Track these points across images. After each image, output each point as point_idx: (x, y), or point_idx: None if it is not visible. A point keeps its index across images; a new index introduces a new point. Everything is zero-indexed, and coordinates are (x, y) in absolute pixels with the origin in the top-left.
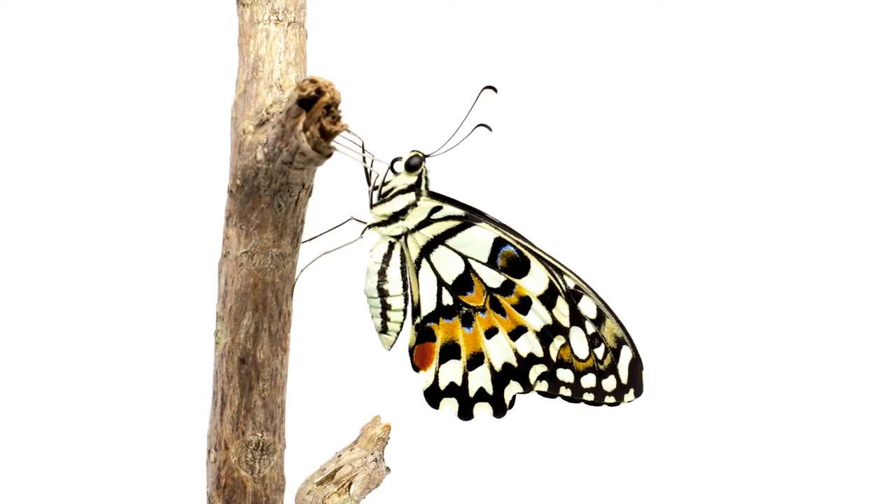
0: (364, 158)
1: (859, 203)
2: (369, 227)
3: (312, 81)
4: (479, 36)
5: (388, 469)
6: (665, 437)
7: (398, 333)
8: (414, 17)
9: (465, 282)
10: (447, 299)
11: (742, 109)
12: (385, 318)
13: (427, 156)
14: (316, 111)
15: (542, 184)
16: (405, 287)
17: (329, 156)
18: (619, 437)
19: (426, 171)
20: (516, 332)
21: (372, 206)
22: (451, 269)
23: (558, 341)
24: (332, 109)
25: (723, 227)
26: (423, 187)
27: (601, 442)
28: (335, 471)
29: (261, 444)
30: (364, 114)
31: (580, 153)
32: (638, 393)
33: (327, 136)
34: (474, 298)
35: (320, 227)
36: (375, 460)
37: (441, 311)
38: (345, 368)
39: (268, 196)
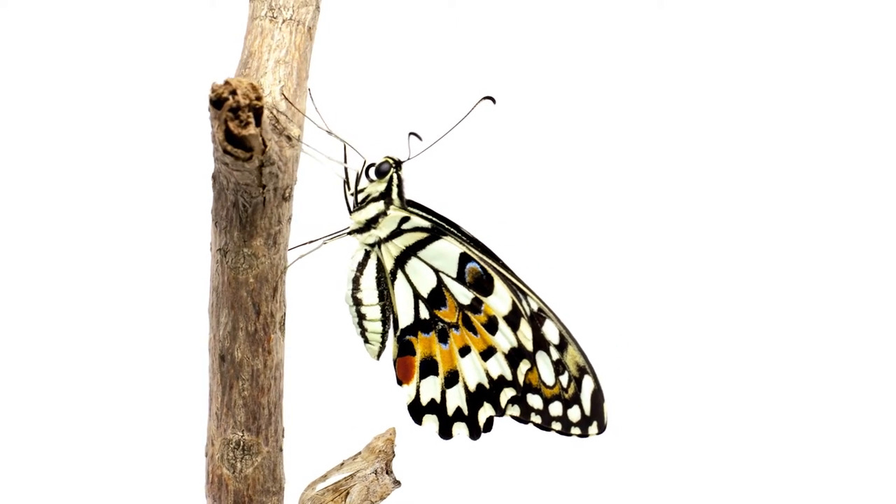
0: (346, 170)
1: (855, 212)
2: (349, 233)
3: (227, 83)
4: (479, 35)
5: (396, 482)
6: (658, 455)
7: (381, 344)
8: (414, 16)
9: (439, 296)
10: (424, 313)
11: (742, 112)
12: (363, 328)
13: (400, 162)
14: (222, 113)
15: (535, 188)
16: (381, 298)
17: (247, 160)
18: (633, 457)
19: (397, 178)
20: (487, 353)
21: (350, 212)
22: (424, 281)
23: (524, 365)
24: (239, 113)
25: (711, 241)
26: (393, 195)
27: (614, 461)
28: (342, 480)
29: (241, 443)
30: (363, 115)
31: (577, 156)
32: (601, 427)
33: (235, 140)
34: (448, 314)
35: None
36: (375, 472)
37: (419, 325)
38: (372, 375)
39: (231, 195)
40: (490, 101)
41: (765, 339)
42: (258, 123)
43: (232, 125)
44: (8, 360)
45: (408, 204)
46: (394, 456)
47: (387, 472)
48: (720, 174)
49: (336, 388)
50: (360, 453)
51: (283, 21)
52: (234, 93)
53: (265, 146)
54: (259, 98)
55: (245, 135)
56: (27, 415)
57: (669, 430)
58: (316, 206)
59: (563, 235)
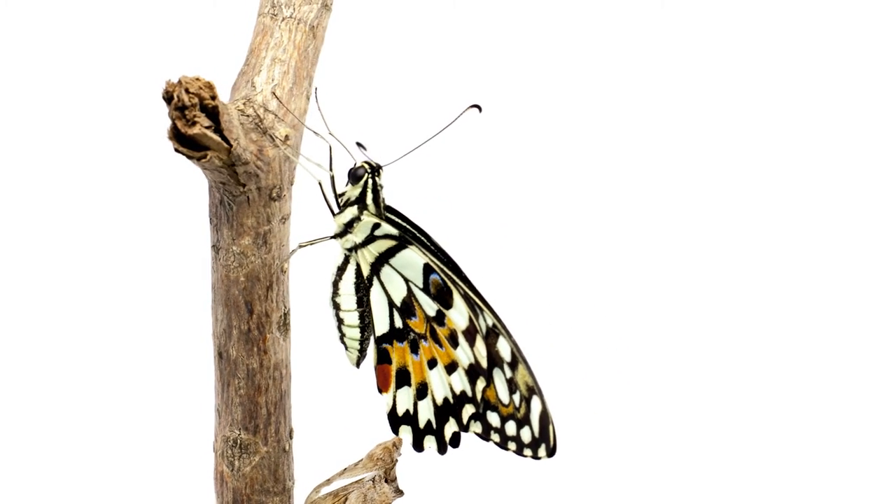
0: (332, 176)
1: (851, 213)
2: (332, 237)
3: (179, 81)
4: (480, 35)
5: (398, 491)
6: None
7: (360, 351)
8: (415, 16)
9: (409, 306)
10: (398, 322)
11: (743, 113)
12: (341, 333)
13: (379, 167)
14: (171, 111)
15: (522, 193)
16: (359, 304)
17: (200, 159)
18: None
19: (371, 183)
20: (451, 367)
21: (334, 214)
22: (397, 290)
23: (480, 383)
24: (185, 112)
25: (684, 253)
26: (367, 201)
27: (616, 474)
28: (345, 485)
29: (239, 441)
30: (366, 117)
31: (575, 156)
32: (548, 450)
33: (183, 139)
34: (417, 325)
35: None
36: (373, 480)
37: (394, 334)
38: None
39: (217, 193)
40: (476, 110)
41: (740, 348)
42: (216, 122)
43: (179, 123)
44: (31, 353)
45: (387, 210)
46: (392, 464)
47: (387, 481)
48: (702, 185)
49: (359, 390)
50: (361, 460)
51: (283, 19)
52: (187, 91)
53: (230, 145)
54: (214, 97)
55: (191, 134)
56: (41, 412)
57: (652, 439)
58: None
59: (547, 240)
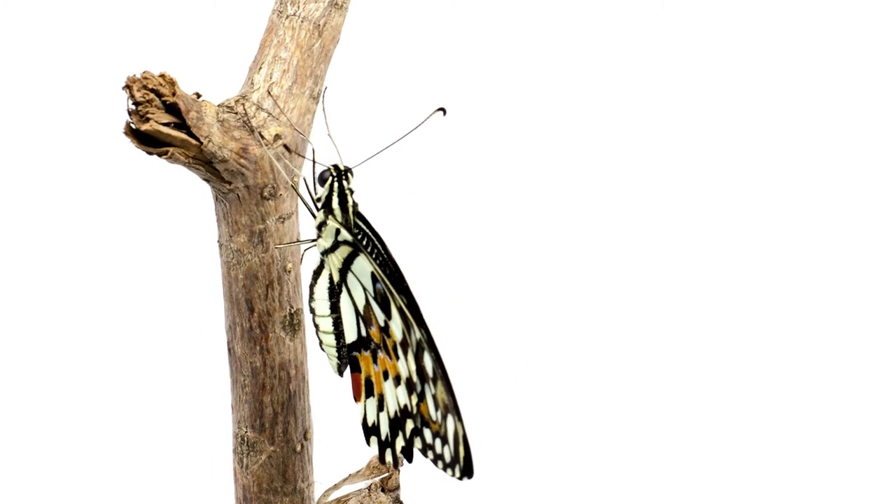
0: (304, 179)
1: (853, 213)
2: (312, 241)
3: (141, 78)
4: (480, 34)
5: (398, 501)
6: None
7: (339, 358)
8: (416, 16)
9: (368, 314)
10: (363, 330)
11: (743, 113)
12: (319, 339)
13: (347, 170)
14: (127, 106)
15: (518, 189)
16: (333, 310)
17: (161, 156)
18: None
19: (338, 187)
20: (397, 380)
21: (314, 217)
22: (360, 298)
23: (414, 397)
24: (139, 108)
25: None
26: (333, 205)
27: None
28: (346, 493)
29: (246, 439)
30: (371, 117)
31: (574, 155)
32: (463, 471)
33: (139, 135)
34: (375, 334)
35: None
36: (368, 489)
37: (361, 342)
38: None
39: (211, 190)
40: (441, 113)
41: (727, 348)
42: (181, 118)
43: (133, 119)
44: (55, 351)
45: (356, 215)
46: (390, 474)
47: (383, 490)
48: (687, 184)
49: None
50: (362, 468)
51: (287, 17)
52: (144, 87)
53: (200, 143)
54: (175, 93)
55: (144, 129)
56: (64, 410)
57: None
58: None
59: (530, 241)
